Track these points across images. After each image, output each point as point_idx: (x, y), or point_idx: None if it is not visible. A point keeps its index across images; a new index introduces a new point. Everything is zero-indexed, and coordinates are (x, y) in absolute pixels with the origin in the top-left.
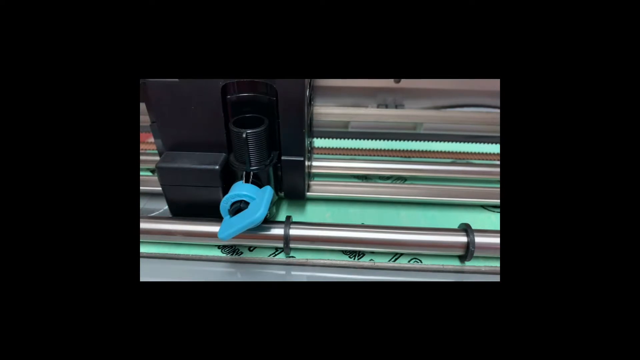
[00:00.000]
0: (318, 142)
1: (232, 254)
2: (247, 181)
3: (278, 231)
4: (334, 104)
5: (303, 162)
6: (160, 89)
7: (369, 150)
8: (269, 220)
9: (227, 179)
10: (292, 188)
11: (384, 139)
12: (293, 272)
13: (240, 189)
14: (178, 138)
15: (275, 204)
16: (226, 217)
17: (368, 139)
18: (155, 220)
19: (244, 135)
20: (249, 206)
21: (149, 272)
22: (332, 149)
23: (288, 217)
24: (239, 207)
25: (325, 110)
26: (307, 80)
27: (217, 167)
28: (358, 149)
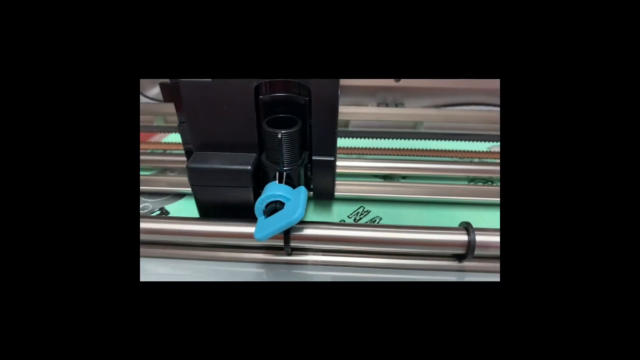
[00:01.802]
0: None
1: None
2: (280, 181)
3: None
4: None
5: (334, 161)
6: (193, 89)
7: (369, 149)
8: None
9: (257, 180)
10: (322, 188)
11: (384, 138)
12: (293, 271)
13: (276, 190)
14: (209, 138)
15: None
16: (260, 218)
17: (368, 138)
18: (155, 220)
19: (279, 136)
20: (285, 207)
21: (149, 272)
22: None
23: None
24: (274, 207)
25: None
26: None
27: (249, 167)
28: (358, 148)
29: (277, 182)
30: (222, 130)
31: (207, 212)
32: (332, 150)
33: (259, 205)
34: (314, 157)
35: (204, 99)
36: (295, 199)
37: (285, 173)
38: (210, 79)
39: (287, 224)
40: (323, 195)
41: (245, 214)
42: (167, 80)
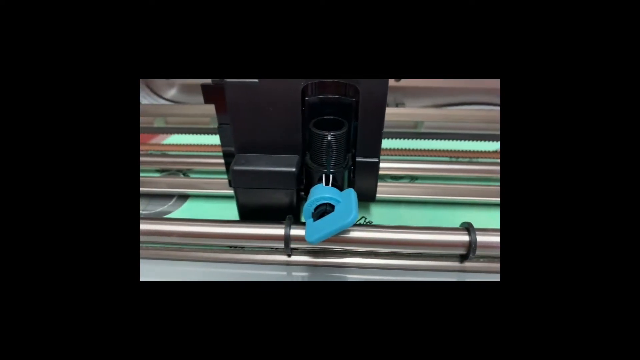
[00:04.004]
0: None
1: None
2: (327, 184)
3: (278, 231)
4: None
5: (378, 163)
6: (239, 90)
7: None
8: (270, 221)
9: (300, 182)
10: (364, 189)
11: (384, 138)
12: (294, 273)
13: (325, 192)
14: (252, 140)
15: None
16: (309, 221)
17: None
18: (155, 221)
19: (329, 138)
20: (336, 209)
21: (149, 272)
22: None
23: (289, 217)
24: (324, 210)
25: None
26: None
27: (294, 169)
28: None
29: (323, 184)
30: (266, 131)
31: (249, 214)
32: (376, 151)
33: (308, 208)
34: (358, 159)
35: (249, 100)
36: (346, 201)
37: (331, 175)
38: (257, 80)
39: (341, 227)
40: (365, 197)
41: (286, 216)
42: (208, 81)
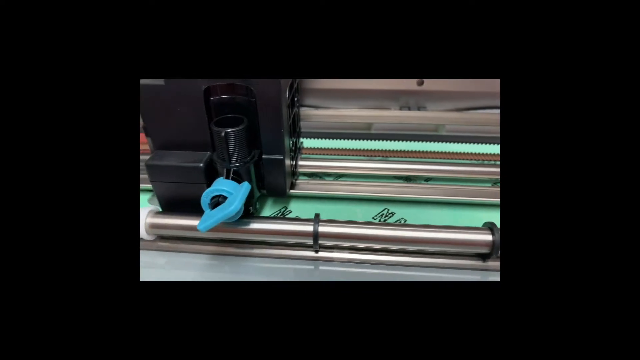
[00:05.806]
0: (341, 144)
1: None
2: (227, 177)
3: (308, 228)
4: (358, 107)
5: (283, 160)
6: (148, 91)
7: (392, 151)
8: (298, 218)
9: (213, 176)
10: (273, 185)
11: (406, 140)
12: (321, 267)
13: (220, 185)
14: (166, 138)
15: (258, 200)
16: (207, 210)
17: (391, 140)
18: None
19: (223, 134)
20: (226, 200)
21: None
22: (356, 150)
23: (317, 215)
24: (217, 201)
25: (349, 113)
26: (286, 81)
27: (201, 164)
28: (381, 150)
29: (224, 177)
30: (177, 130)
31: (168, 206)
32: (280, 149)
33: (204, 199)
34: (264, 156)
35: (158, 100)
36: (236, 193)
37: (232, 169)
38: (162, 81)
39: (224, 216)
40: (275, 193)
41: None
42: None
